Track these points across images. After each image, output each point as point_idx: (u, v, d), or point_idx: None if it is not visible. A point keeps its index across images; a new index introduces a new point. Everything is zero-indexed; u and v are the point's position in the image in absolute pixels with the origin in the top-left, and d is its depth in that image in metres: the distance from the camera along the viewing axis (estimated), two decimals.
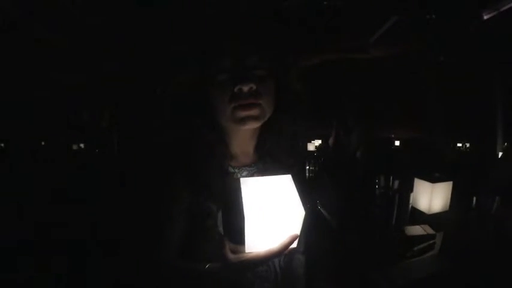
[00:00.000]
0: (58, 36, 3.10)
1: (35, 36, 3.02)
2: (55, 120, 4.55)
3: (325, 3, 2.77)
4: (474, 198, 1.55)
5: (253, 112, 0.57)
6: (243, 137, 0.66)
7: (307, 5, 2.73)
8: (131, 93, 3.73)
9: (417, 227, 1.42)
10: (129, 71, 3.50)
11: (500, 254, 1.24)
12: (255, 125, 0.59)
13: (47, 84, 3.96)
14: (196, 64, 0.59)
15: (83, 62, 3.66)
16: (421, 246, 1.31)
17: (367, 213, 1.67)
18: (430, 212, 1.56)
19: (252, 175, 0.65)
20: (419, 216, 1.58)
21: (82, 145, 5.60)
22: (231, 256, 0.47)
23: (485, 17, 2.77)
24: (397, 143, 5.61)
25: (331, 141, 2.75)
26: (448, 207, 1.62)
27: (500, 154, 3.31)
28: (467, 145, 5.23)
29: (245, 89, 0.55)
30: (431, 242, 1.35)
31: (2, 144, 4.88)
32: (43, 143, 5.34)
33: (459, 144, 5.29)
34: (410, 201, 1.56)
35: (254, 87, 0.55)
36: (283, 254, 0.47)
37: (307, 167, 2.94)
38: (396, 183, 1.66)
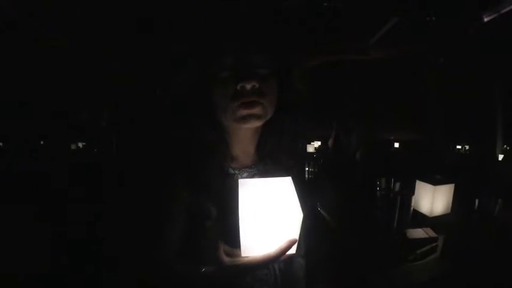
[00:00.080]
0: (58, 36, 3.09)
1: (34, 36, 3.01)
2: (55, 119, 4.53)
3: (325, 4, 2.76)
4: (476, 201, 1.54)
5: (256, 111, 0.57)
6: (244, 137, 0.65)
7: (307, 5, 2.72)
8: (131, 93, 3.72)
9: (419, 229, 1.40)
10: (129, 71, 3.50)
11: (503, 257, 1.23)
12: (256, 123, 0.59)
13: (46, 84, 3.95)
14: (198, 62, 0.59)
15: (82, 62, 3.66)
16: (424, 249, 1.30)
17: (368, 215, 1.66)
18: (432, 215, 1.55)
19: (252, 176, 0.65)
20: (420, 219, 1.57)
21: (80, 145, 5.60)
22: (225, 259, 0.47)
23: (486, 19, 2.77)
24: (396, 144, 5.62)
25: (330, 142, 2.75)
26: (449, 210, 1.61)
27: (500, 156, 3.31)
28: (467, 147, 5.23)
29: (248, 86, 0.54)
30: (433, 244, 1.33)
31: (1, 144, 4.87)
32: (42, 142, 5.33)
33: (459, 147, 5.29)
34: (412, 204, 1.54)
35: (257, 85, 0.55)
36: (280, 259, 0.46)
37: (307, 169, 2.93)
38: (397, 185, 1.65)
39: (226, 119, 0.58)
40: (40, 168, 3.86)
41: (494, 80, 4.19)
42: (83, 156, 5.26)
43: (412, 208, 1.55)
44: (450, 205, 1.61)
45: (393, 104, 5.05)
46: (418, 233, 1.39)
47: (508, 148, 4.04)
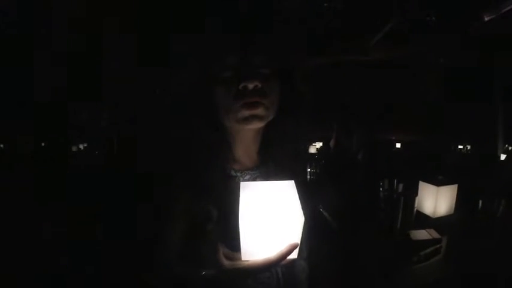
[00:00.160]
0: (57, 36, 3.09)
1: (34, 36, 3.01)
2: (55, 120, 4.53)
3: (325, 5, 2.76)
4: (480, 202, 1.53)
5: (258, 111, 0.56)
6: (246, 139, 0.65)
7: (308, 6, 2.72)
8: (131, 93, 3.72)
9: (423, 231, 1.39)
10: (129, 71, 3.50)
11: (507, 258, 1.22)
12: (259, 124, 0.58)
13: (46, 83, 3.96)
14: (199, 62, 0.58)
15: (82, 62, 3.66)
16: (427, 250, 1.29)
17: (370, 216, 1.65)
18: (435, 216, 1.54)
19: (254, 179, 0.64)
20: (424, 220, 1.56)
21: (81, 146, 5.61)
22: (225, 263, 0.46)
23: (486, 19, 2.76)
24: (398, 145, 5.61)
25: (332, 143, 2.74)
26: (453, 211, 1.60)
27: (503, 156, 3.30)
28: (468, 147, 5.21)
29: (250, 86, 0.54)
30: (437, 246, 1.32)
31: (1, 145, 4.87)
32: (43, 144, 5.35)
33: (460, 147, 5.28)
34: (415, 205, 1.53)
35: (259, 85, 0.54)
36: (280, 263, 0.46)
37: (308, 170, 2.92)
38: (401, 186, 1.64)
39: (229, 119, 0.58)
40: (40, 168, 3.88)
41: (495, 80, 4.18)
42: (84, 157, 5.27)
43: (415, 209, 1.54)
44: (453, 206, 1.60)
45: (394, 105, 5.05)
46: (422, 234, 1.38)
47: (510, 148, 4.02)
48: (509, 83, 3.99)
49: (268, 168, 0.67)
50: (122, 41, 3.11)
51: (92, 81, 3.98)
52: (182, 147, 0.60)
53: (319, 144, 5.18)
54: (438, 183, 1.53)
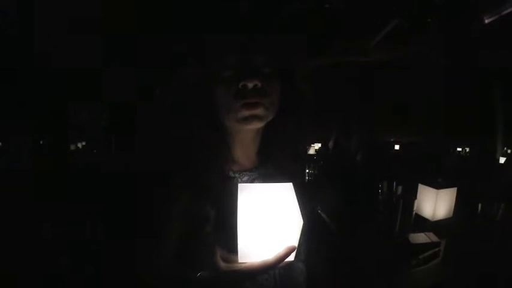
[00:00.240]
0: (57, 36, 3.07)
1: (34, 36, 3.00)
2: (54, 119, 4.53)
3: (326, 6, 2.75)
4: (479, 205, 1.52)
5: (258, 112, 0.56)
6: (246, 139, 0.64)
7: (309, 6, 2.71)
8: (131, 93, 3.71)
9: (421, 234, 1.38)
10: (129, 70, 3.49)
11: (506, 262, 1.21)
12: (258, 125, 0.58)
13: (46, 83, 3.95)
14: (199, 61, 0.58)
15: (82, 61, 3.64)
16: (426, 254, 1.28)
17: (369, 218, 1.64)
18: (434, 219, 1.53)
19: (252, 180, 0.64)
20: (422, 223, 1.55)
21: (80, 145, 5.61)
22: (222, 265, 0.46)
23: (487, 21, 2.76)
24: (396, 146, 5.61)
25: (331, 144, 2.74)
26: (452, 214, 1.59)
27: (502, 159, 3.30)
28: (467, 150, 5.22)
29: (250, 85, 0.53)
30: (436, 250, 1.31)
31: (0, 144, 4.86)
32: (41, 142, 5.34)
33: (459, 149, 5.29)
34: (414, 208, 1.52)
35: (259, 84, 0.54)
36: (278, 266, 0.45)
37: (307, 171, 2.91)
38: (400, 189, 1.63)
39: (228, 119, 0.58)
40: (39, 167, 3.87)
41: (495, 82, 4.18)
42: (83, 156, 5.27)
43: (414, 212, 1.53)
44: (452, 209, 1.59)
45: (393, 106, 5.05)
46: (421, 237, 1.37)
47: (509, 151, 4.03)
48: (509, 85, 3.99)
49: (267, 169, 0.66)
50: (122, 40, 3.10)
51: (92, 81, 3.98)
52: (182, 147, 0.59)
53: (317, 145, 5.17)
54: (437, 186, 1.53)
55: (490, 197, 1.59)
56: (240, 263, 0.46)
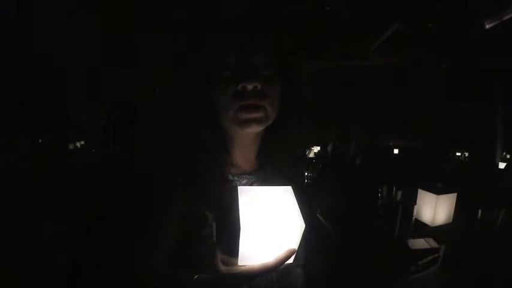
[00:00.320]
0: (57, 36, 3.07)
1: (34, 35, 3.00)
2: (54, 119, 4.52)
3: (327, 8, 2.75)
4: (479, 211, 1.51)
5: (257, 115, 0.55)
6: (245, 142, 0.63)
7: (310, 10, 2.72)
8: (131, 92, 3.72)
9: (421, 240, 1.37)
10: (129, 70, 3.49)
11: (506, 266, 1.20)
12: (258, 128, 0.57)
13: (46, 83, 3.94)
14: (200, 62, 0.57)
15: (82, 61, 3.64)
16: (425, 260, 1.27)
17: (368, 222, 1.63)
18: (434, 224, 1.52)
19: (251, 184, 0.63)
20: (422, 229, 1.54)
21: (79, 144, 5.60)
22: (222, 268, 0.45)
23: (487, 26, 2.77)
24: (395, 151, 5.60)
25: (330, 148, 2.73)
26: (451, 219, 1.58)
27: (502, 165, 3.30)
28: (466, 154, 5.22)
29: (249, 87, 0.53)
30: (435, 255, 1.30)
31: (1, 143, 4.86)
32: (40, 141, 5.33)
33: (458, 154, 5.28)
34: (414, 213, 1.51)
35: (259, 86, 0.53)
36: (278, 269, 0.45)
37: (306, 174, 2.91)
38: (399, 194, 1.61)
39: (227, 121, 0.57)
40: (38, 167, 3.85)
41: (495, 87, 4.18)
42: (81, 156, 5.26)
43: (414, 218, 1.52)
44: (452, 214, 1.58)
45: (393, 110, 5.05)
46: (420, 243, 1.36)
47: (508, 156, 4.02)
48: (509, 90, 4.00)
49: (266, 173, 0.65)
50: (122, 40, 3.10)
51: (92, 81, 3.98)
52: (181, 148, 0.59)
53: (316, 149, 5.17)
54: (437, 191, 1.52)
55: (490, 202, 1.58)
56: (240, 265, 0.45)
